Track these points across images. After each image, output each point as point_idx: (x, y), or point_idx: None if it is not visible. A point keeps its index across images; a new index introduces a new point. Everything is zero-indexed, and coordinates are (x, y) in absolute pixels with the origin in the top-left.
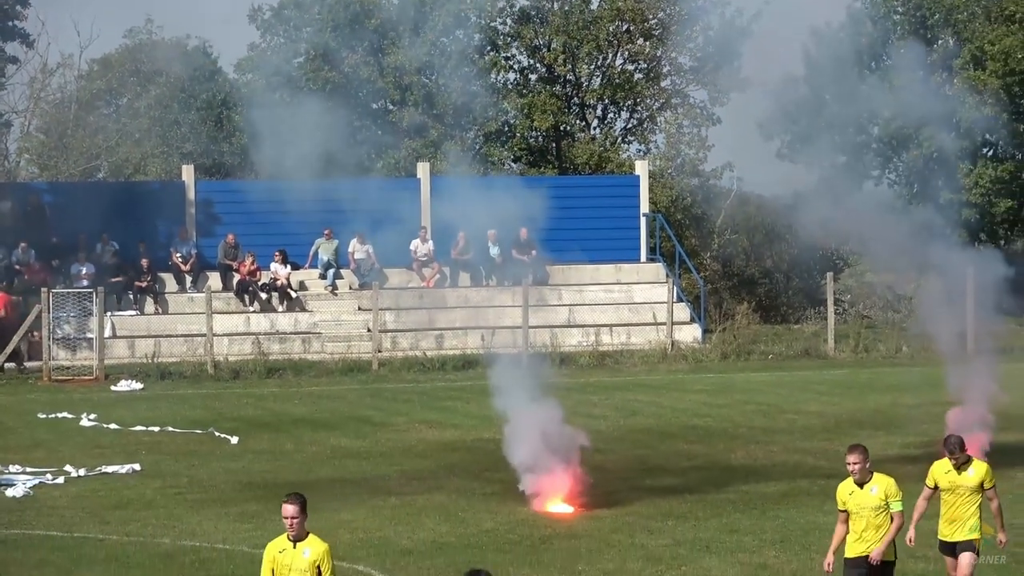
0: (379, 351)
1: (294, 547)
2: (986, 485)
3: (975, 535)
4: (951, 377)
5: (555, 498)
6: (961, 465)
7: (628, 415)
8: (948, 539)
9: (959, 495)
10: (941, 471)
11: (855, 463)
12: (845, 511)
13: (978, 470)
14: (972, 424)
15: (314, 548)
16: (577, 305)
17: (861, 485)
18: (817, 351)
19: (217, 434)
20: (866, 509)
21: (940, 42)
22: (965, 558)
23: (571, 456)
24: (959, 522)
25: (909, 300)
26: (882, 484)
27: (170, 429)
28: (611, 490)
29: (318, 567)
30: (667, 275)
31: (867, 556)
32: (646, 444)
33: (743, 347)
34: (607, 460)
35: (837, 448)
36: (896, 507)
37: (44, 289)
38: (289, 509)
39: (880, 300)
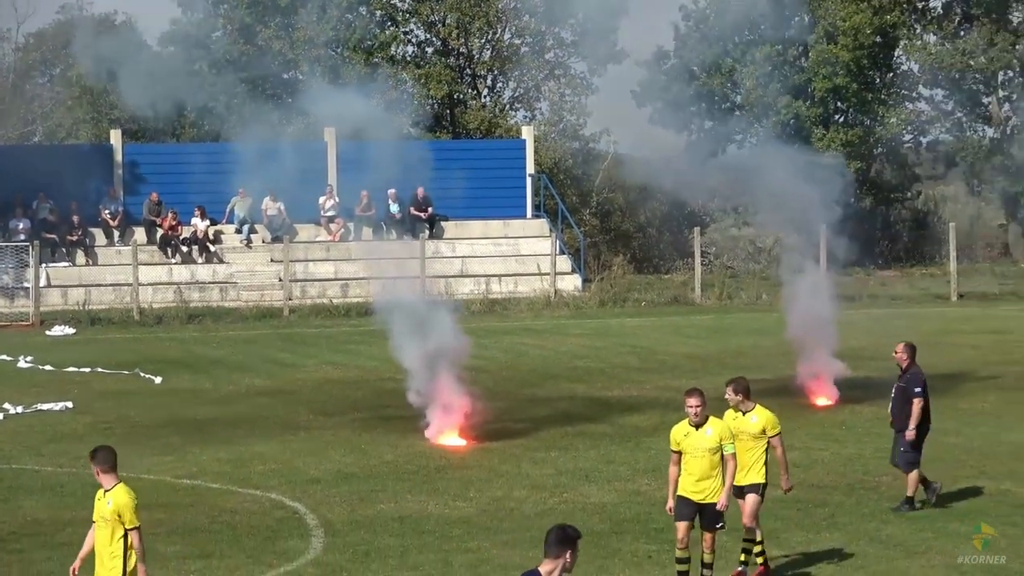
0: (290, 299)
1: (103, 496)
2: (768, 432)
3: (761, 479)
4: (792, 320)
5: (449, 432)
6: (746, 412)
7: (515, 357)
8: (736, 483)
9: (742, 441)
10: (729, 418)
11: (696, 406)
12: (678, 452)
13: (761, 417)
14: (821, 370)
15: (116, 498)
16: (469, 257)
17: (697, 427)
18: (685, 298)
19: (142, 374)
20: (700, 450)
21: (796, 19)
22: (751, 499)
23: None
24: (744, 468)
25: (768, 252)
26: (717, 427)
27: (99, 370)
28: (499, 424)
29: (119, 515)
30: (550, 230)
31: (697, 498)
32: (531, 383)
33: (619, 295)
34: (496, 397)
35: (703, 385)
36: (729, 449)
37: None
38: (93, 466)
39: (742, 252)
